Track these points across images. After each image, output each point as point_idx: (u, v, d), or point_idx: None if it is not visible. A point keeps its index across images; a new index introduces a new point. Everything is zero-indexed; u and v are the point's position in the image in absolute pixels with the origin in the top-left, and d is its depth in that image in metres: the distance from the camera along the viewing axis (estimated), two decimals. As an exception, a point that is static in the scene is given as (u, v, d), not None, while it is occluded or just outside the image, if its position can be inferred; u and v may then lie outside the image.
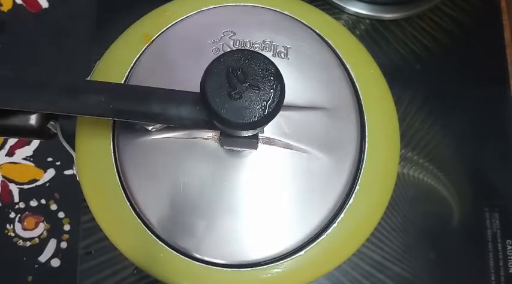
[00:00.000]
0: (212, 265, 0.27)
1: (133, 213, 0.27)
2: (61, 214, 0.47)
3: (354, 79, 0.29)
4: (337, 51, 0.30)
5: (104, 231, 0.29)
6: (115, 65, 0.30)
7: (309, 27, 0.31)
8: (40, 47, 0.51)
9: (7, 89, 0.23)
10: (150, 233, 0.27)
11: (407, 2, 0.51)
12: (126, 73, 0.29)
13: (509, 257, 0.46)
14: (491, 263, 0.46)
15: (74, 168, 0.31)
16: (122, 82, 0.28)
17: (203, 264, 0.27)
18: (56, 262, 0.46)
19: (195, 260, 0.27)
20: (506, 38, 0.51)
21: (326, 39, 0.30)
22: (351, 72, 0.30)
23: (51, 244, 0.46)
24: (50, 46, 0.51)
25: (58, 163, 0.48)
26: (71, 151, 0.31)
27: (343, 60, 0.30)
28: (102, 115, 0.23)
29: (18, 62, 0.50)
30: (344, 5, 0.50)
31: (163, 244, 0.27)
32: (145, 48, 0.29)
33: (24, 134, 0.29)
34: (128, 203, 0.27)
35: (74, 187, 0.48)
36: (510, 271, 0.46)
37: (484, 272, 0.46)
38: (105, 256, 0.45)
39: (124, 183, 0.28)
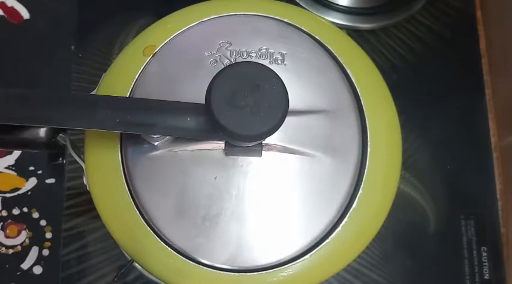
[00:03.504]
0: (220, 270, 0.27)
1: (143, 221, 0.28)
2: (43, 222, 0.47)
3: (355, 84, 0.29)
4: (337, 57, 0.30)
5: (117, 241, 0.29)
6: (120, 79, 0.30)
7: (306, 33, 0.31)
8: (21, 58, 0.51)
9: (17, 107, 0.23)
10: (159, 240, 0.27)
11: (384, 12, 0.52)
12: (131, 87, 0.29)
13: (484, 264, 0.47)
14: (467, 270, 0.47)
15: (84, 179, 0.31)
16: (128, 96, 0.29)
17: (211, 269, 0.27)
18: (38, 269, 0.46)
19: (203, 266, 0.27)
20: (482, 48, 0.52)
21: (326, 45, 0.30)
22: (350, 76, 0.30)
23: (34, 252, 0.47)
24: (31, 57, 0.51)
25: (39, 172, 0.49)
26: (80, 162, 0.31)
27: (343, 65, 0.30)
28: (109, 129, 0.24)
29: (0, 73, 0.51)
30: (321, 15, 0.50)
31: (172, 251, 0.27)
32: (149, 61, 0.30)
33: (35, 147, 0.29)
34: (138, 212, 0.28)
35: (56, 196, 0.49)
36: (485, 277, 0.46)
37: (460, 279, 0.46)
38: (86, 264, 0.46)
39: (133, 193, 0.28)
